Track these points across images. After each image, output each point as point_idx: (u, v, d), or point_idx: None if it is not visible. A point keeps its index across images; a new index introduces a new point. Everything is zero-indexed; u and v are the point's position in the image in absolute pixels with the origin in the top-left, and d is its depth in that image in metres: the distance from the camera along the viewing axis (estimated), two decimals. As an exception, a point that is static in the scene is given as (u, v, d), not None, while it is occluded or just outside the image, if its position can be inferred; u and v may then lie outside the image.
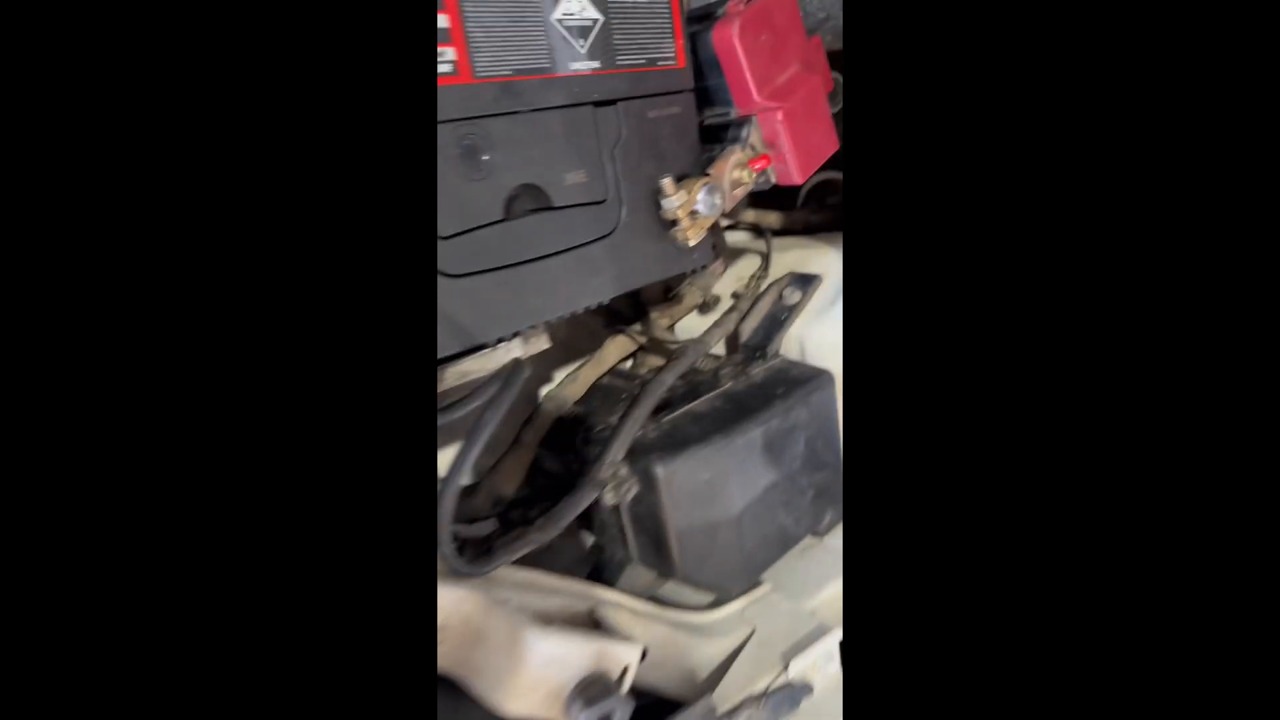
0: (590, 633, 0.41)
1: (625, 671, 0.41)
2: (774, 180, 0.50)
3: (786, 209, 0.85)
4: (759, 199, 0.93)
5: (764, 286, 0.67)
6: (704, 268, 0.52)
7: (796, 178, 0.49)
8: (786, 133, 0.47)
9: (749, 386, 0.57)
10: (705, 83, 0.50)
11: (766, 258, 0.69)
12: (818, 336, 0.63)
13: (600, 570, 0.59)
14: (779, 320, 0.64)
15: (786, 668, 0.51)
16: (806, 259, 0.67)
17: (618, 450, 0.48)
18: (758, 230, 0.80)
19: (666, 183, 0.45)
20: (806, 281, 0.65)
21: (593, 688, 0.38)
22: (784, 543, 0.57)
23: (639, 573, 0.57)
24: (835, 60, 0.80)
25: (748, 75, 0.47)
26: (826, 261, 0.66)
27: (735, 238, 0.79)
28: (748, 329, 0.64)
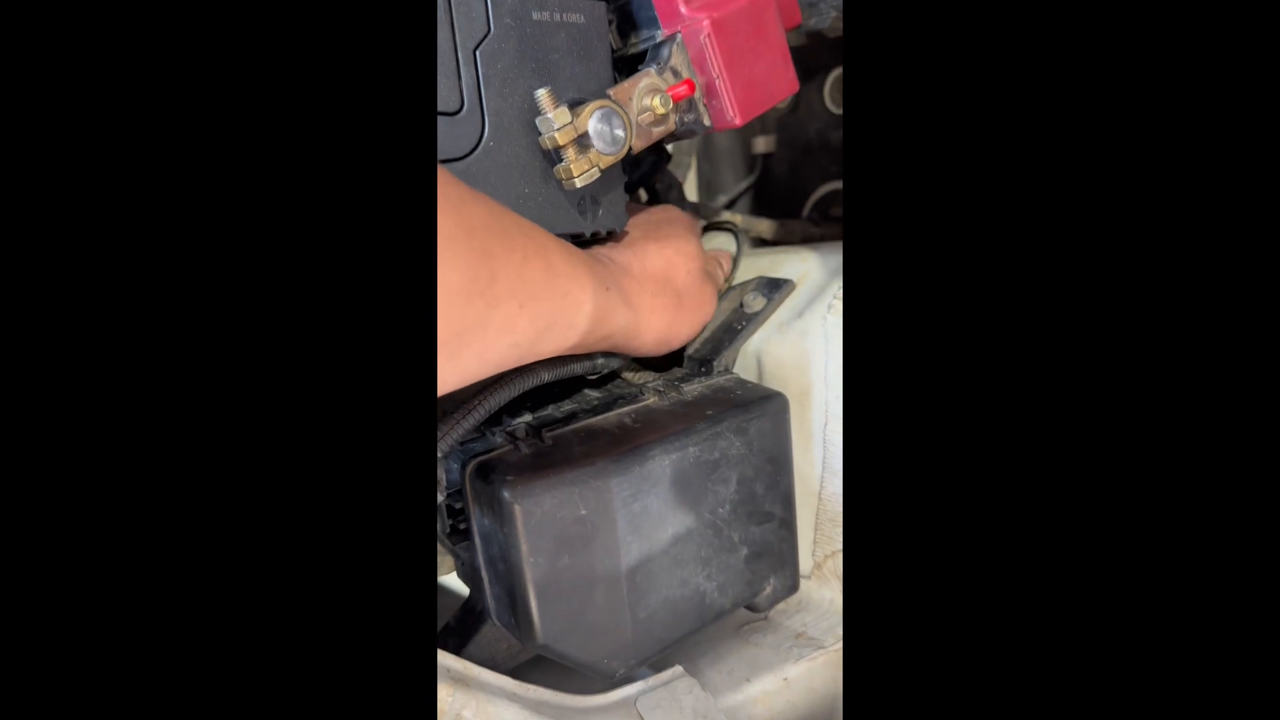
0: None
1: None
2: (707, 121, 0.37)
3: (786, 217, 0.73)
4: (760, 200, 0.82)
5: (724, 290, 0.55)
6: (609, 234, 0.39)
7: (734, 116, 0.36)
8: (717, 50, 0.35)
9: (674, 404, 0.44)
10: (628, -3, 0.38)
11: (735, 260, 0.56)
12: (776, 353, 0.49)
13: (463, 623, 0.45)
14: (735, 330, 0.51)
15: (669, 792, 0.36)
16: (780, 263, 0.55)
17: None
18: (745, 235, 0.68)
19: (543, 95, 0.33)
20: (775, 287, 0.52)
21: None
22: (700, 614, 0.43)
23: (502, 633, 0.43)
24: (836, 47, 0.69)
25: (672, -24, 0.35)
26: (805, 266, 0.53)
27: (717, 241, 0.67)
28: (696, 339, 0.51)
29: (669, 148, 0.74)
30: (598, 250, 0.41)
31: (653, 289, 0.41)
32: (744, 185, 0.81)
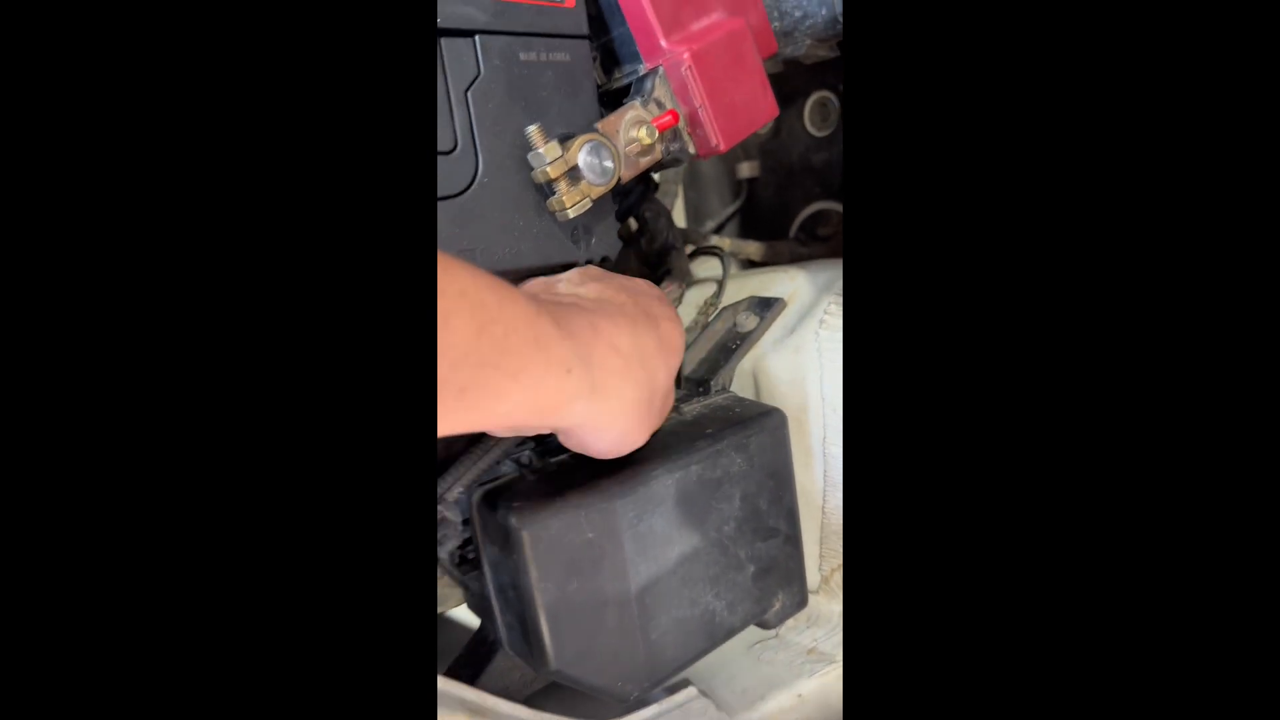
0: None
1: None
2: (692, 149, 0.39)
3: (773, 238, 0.74)
4: (747, 223, 0.84)
5: (715, 313, 0.56)
6: (603, 261, 0.40)
7: (718, 142, 0.38)
8: (698, 80, 0.36)
9: (674, 424, 0.45)
10: (610, 34, 0.40)
11: (721, 283, 0.57)
12: (771, 369, 0.50)
13: (474, 655, 0.45)
14: (729, 349, 0.52)
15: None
16: (770, 283, 0.56)
17: (448, 488, 0.35)
18: (734, 258, 0.69)
19: (533, 131, 0.34)
20: (766, 306, 0.53)
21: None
22: (711, 634, 0.43)
23: (515, 662, 0.43)
24: (825, 69, 0.71)
25: (650, 14, 0.37)
26: (794, 285, 0.54)
27: (707, 265, 0.68)
28: (692, 360, 0.52)
29: (655, 176, 0.76)
30: (581, 304, 0.33)
31: (634, 379, 0.33)
32: (730, 210, 0.83)
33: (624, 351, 0.33)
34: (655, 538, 0.40)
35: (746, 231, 0.82)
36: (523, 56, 0.36)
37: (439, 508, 0.36)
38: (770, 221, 0.80)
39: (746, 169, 0.79)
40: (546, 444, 0.44)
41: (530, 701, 0.44)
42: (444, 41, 0.34)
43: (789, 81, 0.71)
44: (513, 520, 0.35)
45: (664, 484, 0.40)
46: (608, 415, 0.33)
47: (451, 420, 0.26)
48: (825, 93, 0.72)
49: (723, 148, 0.38)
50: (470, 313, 0.25)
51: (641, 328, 0.34)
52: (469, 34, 0.35)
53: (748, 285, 0.57)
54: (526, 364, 0.27)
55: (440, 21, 0.34)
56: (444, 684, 0.37)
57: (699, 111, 0.37)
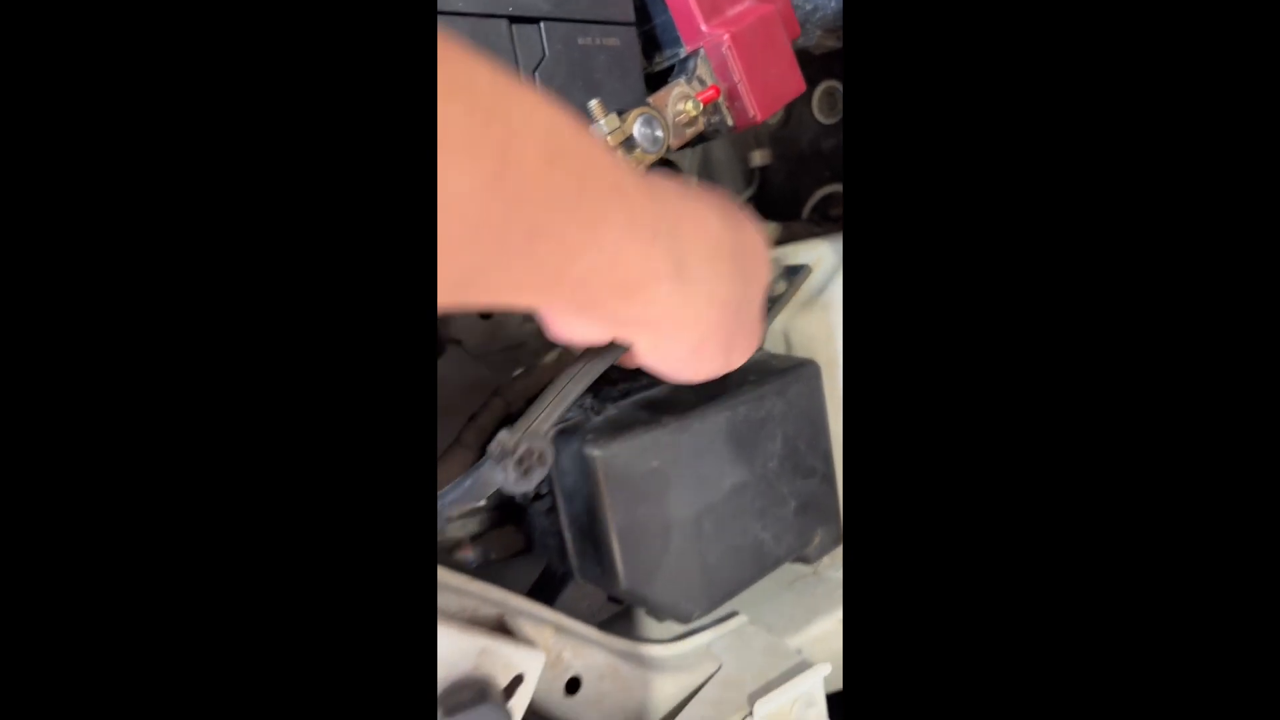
0: (474, 629, 0.33)
1: (517, 681, 0.32)
2: (731, 121, 0.44)
3: (789, 219, 0.79)
4: (761, 208, 0.88)
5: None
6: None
7: (755, 113, 0.42)
8: (737, 59, 0.41)
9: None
10: (652, 22, 0.45)
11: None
12: (803, 328, 0.55)
13: (543, 591, 0.49)
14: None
15: (752, 711, 0.40)
16: (793, 254, 0.60)
17: (533, 422, 0.40)
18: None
19: (595, 105, 0.39)
20: (794, 272, 0.58)
21: (461, 693, 0.29)
22: (760, 562, 0.47)
23: (583, 593, 0.48)
24: (832, 59, 0.76)
25: (692, 2, 0.41)
26: (817, 253, 0.59)
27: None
28: (726, 324, 0.57)
29: (674, 161, 0.80)
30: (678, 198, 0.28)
31: (725, 273, 0.28)
32: (744, 197, 0.88)
33: (713, 235, 0.27)
34: (710, 469, 0.44)
35: (760, 215, 0.87)
36: (580, 41, 0.41)
37: (524, 440, 0.40)
38: (783, 206, 0.85)
39: (758, 157, 0.84)
40: (602, 396, 0.48)
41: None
42: (515, 28, 0.39)
43: (798, 72, 0.76)
44: (588, 449, 0.40)
45: (716, 421, 0.44)
46: (693, 307, 0.27)
47: (515, 272, 0.21)
48: (833, 82, 0.77)
49: (759, 118, 0.43)
50: (540, 138, 0.20)
51: (729, 222, 0.29)
52: (535, 21, 0.40)
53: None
54: (606, 213, 0.22)
55: (512, 10, 0.38)
56: (530, 605, 0.41)
57: (738, 86, 0.42)
